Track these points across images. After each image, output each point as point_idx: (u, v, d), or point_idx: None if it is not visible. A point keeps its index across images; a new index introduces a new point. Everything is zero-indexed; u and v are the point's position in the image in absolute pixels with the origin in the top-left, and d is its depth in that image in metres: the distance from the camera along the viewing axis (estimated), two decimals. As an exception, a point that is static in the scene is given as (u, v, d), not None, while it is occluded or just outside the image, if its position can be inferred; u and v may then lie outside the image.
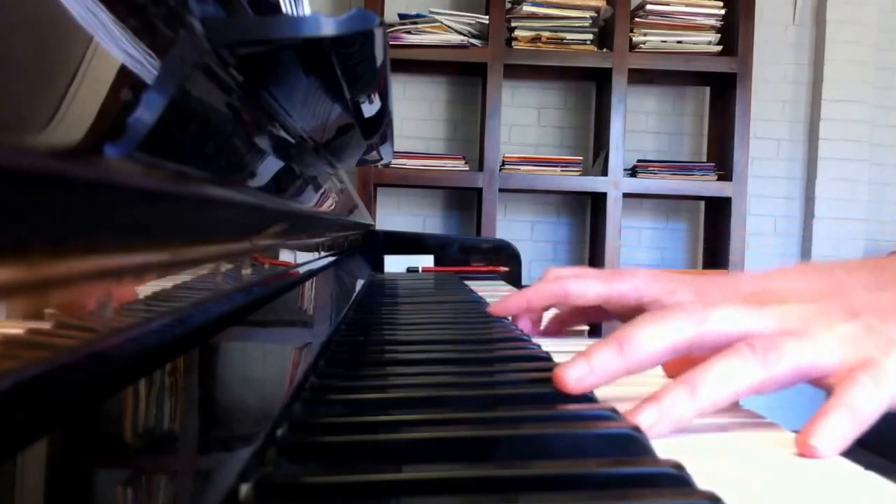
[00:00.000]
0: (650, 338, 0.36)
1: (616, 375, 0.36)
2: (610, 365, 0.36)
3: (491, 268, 1.42)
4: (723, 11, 2.61)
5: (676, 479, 0.24)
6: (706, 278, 0.55)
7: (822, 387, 0.36)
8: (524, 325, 0.61)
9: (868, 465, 0.29)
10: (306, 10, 0.51)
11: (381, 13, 2.54)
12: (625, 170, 2.65)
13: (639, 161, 2.70)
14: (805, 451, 0.31)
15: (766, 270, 0.52)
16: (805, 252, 2.86)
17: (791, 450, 0.32)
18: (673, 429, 0.33)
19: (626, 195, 2.62)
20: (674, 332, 0.37)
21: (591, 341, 0.52)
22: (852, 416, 0.32)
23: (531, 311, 0.60)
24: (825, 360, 0.35)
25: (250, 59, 0.36)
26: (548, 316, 0.64)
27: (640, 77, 2.71)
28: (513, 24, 2.58)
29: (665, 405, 0.33)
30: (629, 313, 0.53)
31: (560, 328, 0.63)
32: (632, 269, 0.56)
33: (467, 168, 2.64)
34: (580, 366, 0.36)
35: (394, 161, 2.31)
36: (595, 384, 0.36)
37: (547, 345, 0.49)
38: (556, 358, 0.44)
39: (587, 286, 0.55)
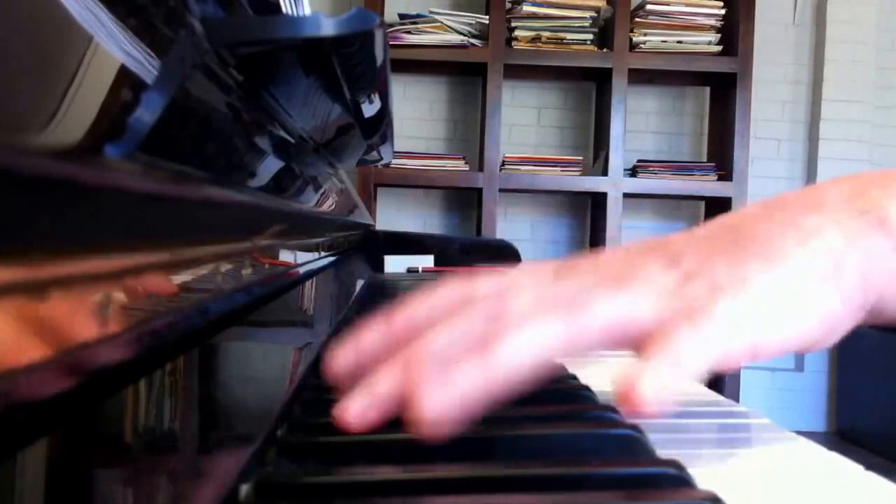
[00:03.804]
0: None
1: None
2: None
3: (491, 268, 1.42)
4: (723, 11, 2.61)
5: (677, 478, 0.24)
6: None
7: (642, 352, 0.29)
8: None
9: (868, 466, 0.29)
10: (306, 10, 0.51)
11: (381, 13, 2.54)
12: (625, 170, 2.64)
13: (639, 161, 2.70)
14: (626, 404, 0.27)
15: None
16: (805, 252, 2.86)
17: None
18: (461, 401, 0.27)
19: (626, 195, 2.62)
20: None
21: None
22: (674, 365, 0.28)
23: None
24: (641, 313, 0.30)
25: (250, 59, 0.36)
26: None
27: (640, 77, 2.71)
28: (513, 24, 2.58)
29: (455, 379, 0.27)
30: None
31: None
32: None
33: (467, 168, 2.64)
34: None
35: (394, 161, 2.31)
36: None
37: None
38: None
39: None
